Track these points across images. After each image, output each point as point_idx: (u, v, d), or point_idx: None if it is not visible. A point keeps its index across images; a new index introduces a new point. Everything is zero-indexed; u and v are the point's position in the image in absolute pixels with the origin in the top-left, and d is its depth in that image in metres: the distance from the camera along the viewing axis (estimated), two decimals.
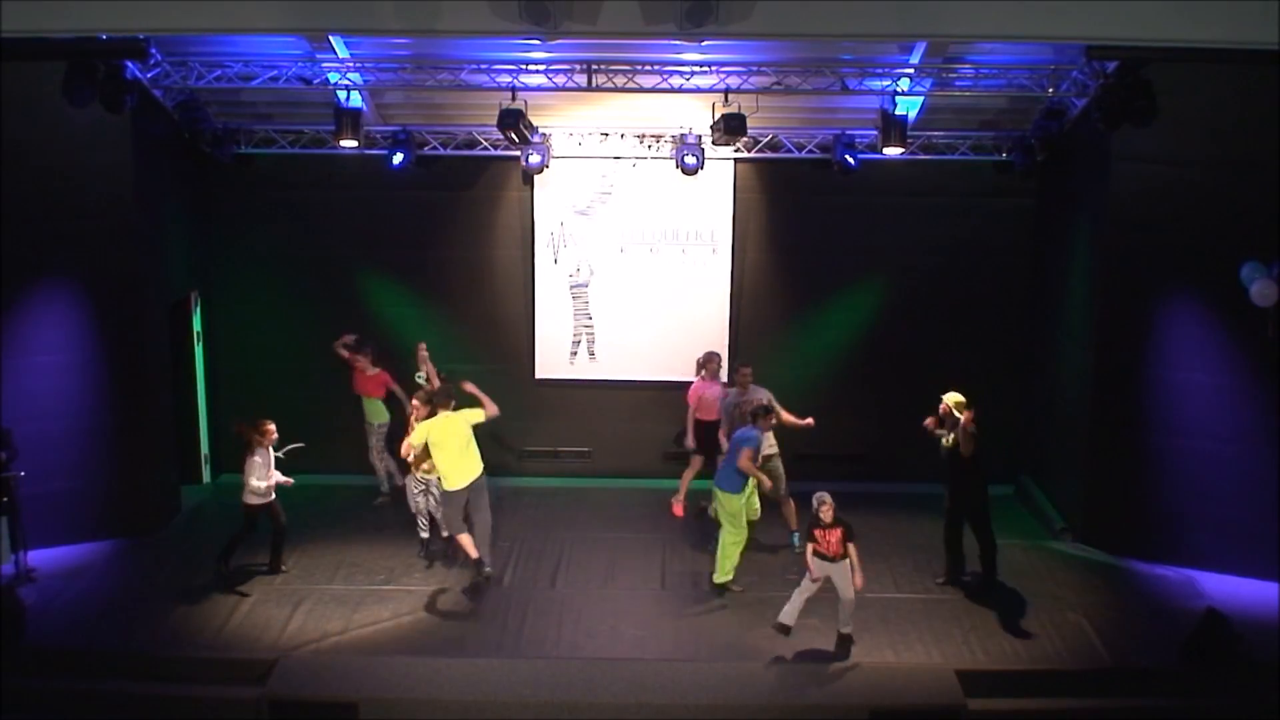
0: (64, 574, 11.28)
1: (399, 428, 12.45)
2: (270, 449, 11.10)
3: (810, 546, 9.94)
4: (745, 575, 11.43)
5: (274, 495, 11.16)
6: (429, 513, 11.63)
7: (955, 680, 9.51)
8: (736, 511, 10.88)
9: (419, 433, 10.90)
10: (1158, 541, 11.74)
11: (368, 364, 12.94)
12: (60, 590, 10.95)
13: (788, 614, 10.03)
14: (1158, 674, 9.76)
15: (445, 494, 11.01)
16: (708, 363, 12.56)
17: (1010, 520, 13.15)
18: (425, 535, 11.77)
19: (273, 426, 11.10)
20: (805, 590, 10.03)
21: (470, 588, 11.05)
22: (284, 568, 11.42)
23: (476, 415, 10.91)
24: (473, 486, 10.95)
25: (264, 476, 10.98)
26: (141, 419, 12.28)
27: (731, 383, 12.67)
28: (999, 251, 13.80)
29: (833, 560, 9.96)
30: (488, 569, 11.05)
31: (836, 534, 9.94)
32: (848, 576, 9.96)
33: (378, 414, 13.09)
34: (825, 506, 9.91)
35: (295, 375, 13.79)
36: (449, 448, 10.79)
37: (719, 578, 11.08)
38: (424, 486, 11.52)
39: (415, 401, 11.74)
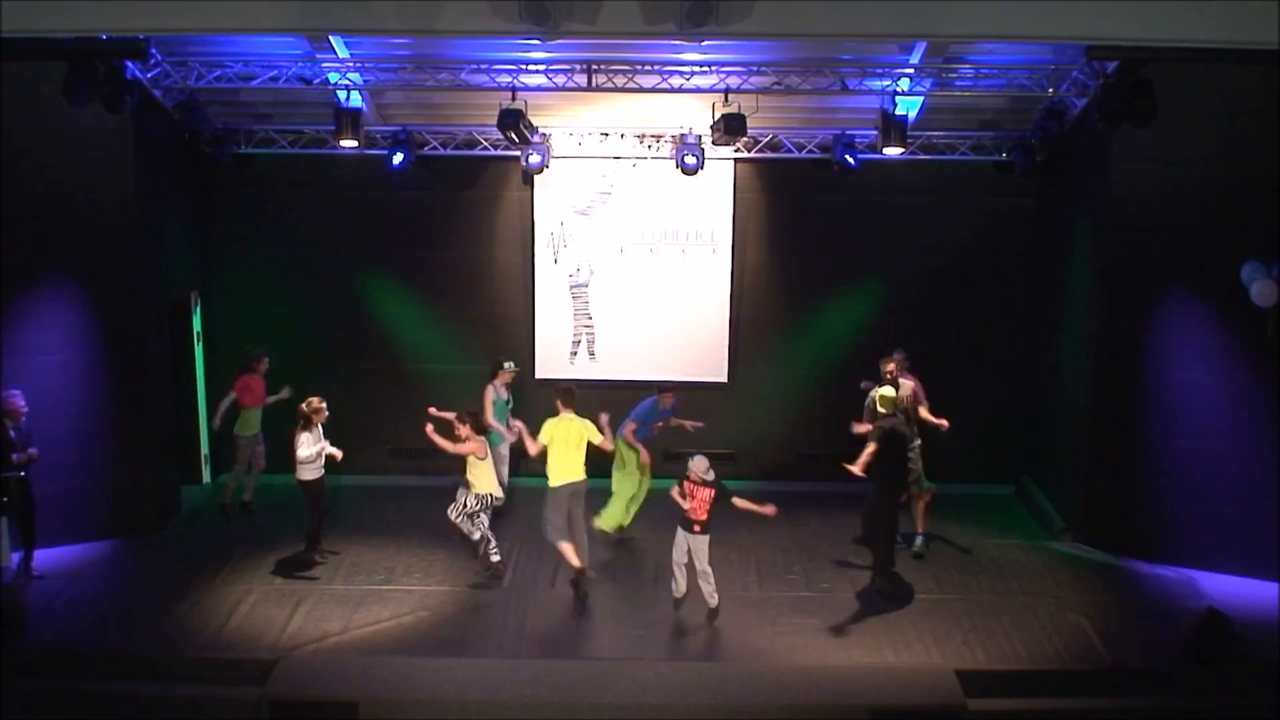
0: (64, 574, 11.28)
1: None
2: (320, 426, 11.40)
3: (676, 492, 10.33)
4: (745, 575, 11.47)
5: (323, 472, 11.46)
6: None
7: (955, 680, 9.50)
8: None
9: (545, 431, 10.84)
10: (1158, 541, 11.74)
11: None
12: (60, 590, 10.95)
13: (676, 587, 10.54)
14: (1158, 674, 9.75)
15: (550, 491, 10.91)
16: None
17: (1010, 520, 13.18)
18: (496, 555, 11.34)
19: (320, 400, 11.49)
20: (679, 559, 10.44)
21: (579, 594, 10.91)
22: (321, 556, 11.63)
23: (594, 434, 10.95)
24: (574, 491, 10.94)
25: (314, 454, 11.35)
26: (141, 419, 12.28)
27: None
28: (999, 251, 13.80)
29: (693, 531, 10.22)
30: (590, 573, 11.04)
31: (705, 494, 10.15)
32: (705, 552, 10.28)
33: (256, 425, 12.81)
34: (698, 460, 10.18)
35: (295, 375, 13.74)
36: (563, 445, 10.86)
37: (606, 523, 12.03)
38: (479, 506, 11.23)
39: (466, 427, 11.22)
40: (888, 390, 11.18)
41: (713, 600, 10.50)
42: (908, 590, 11.09)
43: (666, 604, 10.93)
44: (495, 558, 11.28)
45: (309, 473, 11.39)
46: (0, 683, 9.33)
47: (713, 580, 10.46)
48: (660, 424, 12.30)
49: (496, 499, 11.46)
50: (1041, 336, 13.59)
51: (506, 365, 12.73)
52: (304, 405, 11.45)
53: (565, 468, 10.85)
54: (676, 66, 11.65)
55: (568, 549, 10.86)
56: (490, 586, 11.21)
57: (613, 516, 12.08)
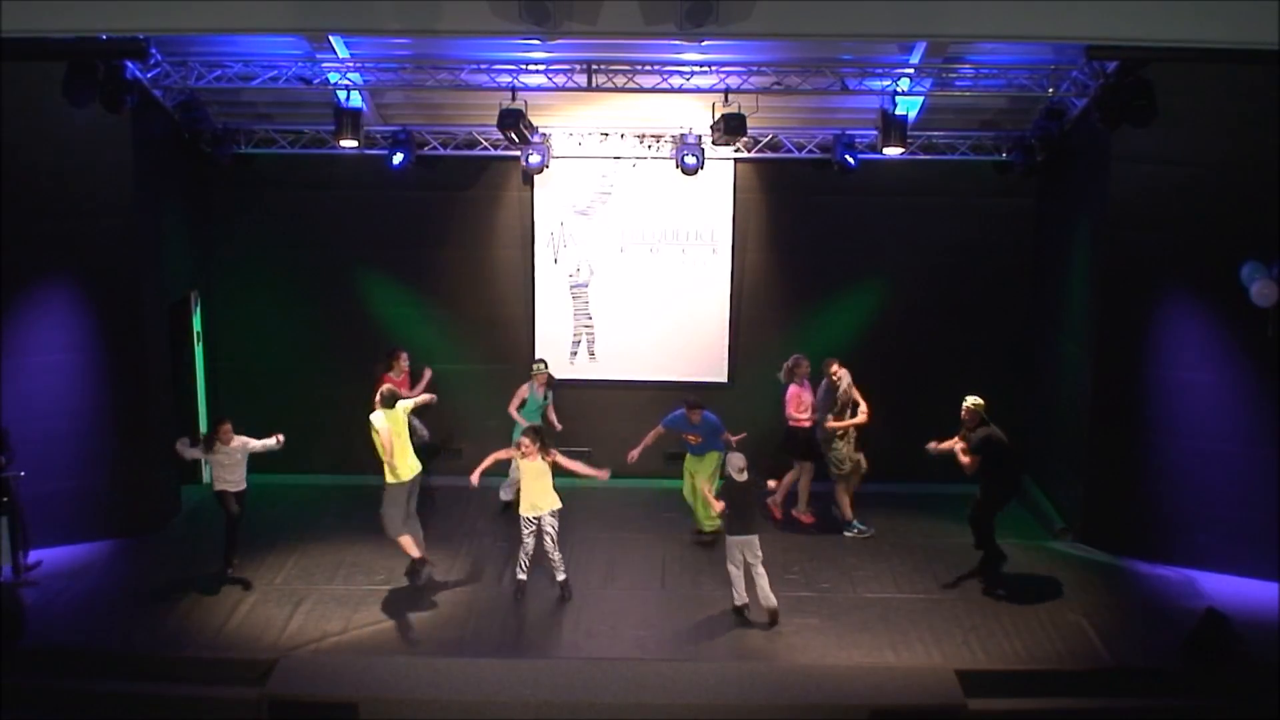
0: (64, 574, 11.28)
1: None
2: (231, 445, 10.97)
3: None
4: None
5: (244, 486, 11.12)
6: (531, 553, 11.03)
7: (955, 680, 9.52)
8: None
9: (385, 420, 10.72)
10: (1158, 541, 11.74)
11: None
12: (60, 590, 10.95)
13: (738, 595, 10.55)
14: (1158, 674, 9.77)
15: (390, 487, 10.80)
16: (796, 367, 12.44)
17: (1010, 520, 13.10)
18: (523, 577, 11.05)
19: (228, 426, 11.03)
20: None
21: (419, 582, 11.08)
22: (230, 569, 11.23)
23: (407, 405, 11.09)
24: (413, 484, 10.97)
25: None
26: (141, 419, 12.28)
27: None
28: (999, 251, 13.79)
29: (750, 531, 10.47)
30: (430, 565, 11.20)
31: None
32: (758, 550, 10.44)
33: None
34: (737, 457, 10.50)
35: (295, 375, 13.81)
36: (400, 439, 10.88)
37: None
38: (535, 526, 10.80)
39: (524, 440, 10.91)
40: (977, 399, 11.23)
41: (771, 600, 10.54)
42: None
43: (666, 604, 10.96)
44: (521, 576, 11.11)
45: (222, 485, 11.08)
46: (0, 683, 9.33)
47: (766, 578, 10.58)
48: (693, 437, 12.09)
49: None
50: (1041, 336, 13.59)
51: (536, 366, 12.87)
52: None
53: (405, 462, 10.89)
54: (676, 66, 11.65)
55: (408, 541, 10.94)
56: (488, 588, 11.22)
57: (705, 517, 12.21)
